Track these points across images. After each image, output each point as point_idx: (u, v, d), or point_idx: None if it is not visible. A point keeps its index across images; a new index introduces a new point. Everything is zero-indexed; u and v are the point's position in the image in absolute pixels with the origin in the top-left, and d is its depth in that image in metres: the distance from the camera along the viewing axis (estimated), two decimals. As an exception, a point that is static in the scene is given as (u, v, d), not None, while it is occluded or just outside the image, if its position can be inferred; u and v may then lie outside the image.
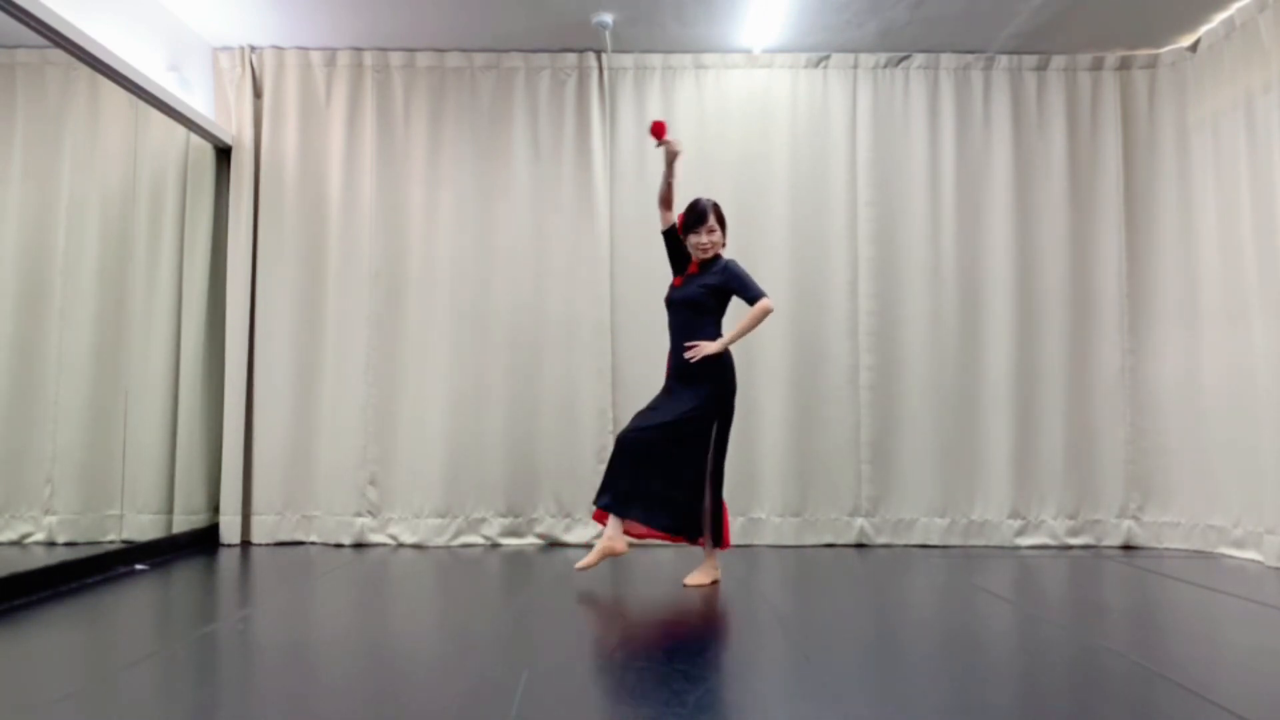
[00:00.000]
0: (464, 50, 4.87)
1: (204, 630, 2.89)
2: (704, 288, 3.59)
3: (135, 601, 3.40)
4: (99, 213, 4.10)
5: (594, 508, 3.70)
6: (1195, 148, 4.71)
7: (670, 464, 3.49)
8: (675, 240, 3.73)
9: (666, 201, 3.71)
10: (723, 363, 3.57)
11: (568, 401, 4.75)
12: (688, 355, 3.54)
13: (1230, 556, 4.39)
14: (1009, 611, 3.26)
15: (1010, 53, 4.89)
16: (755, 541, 4.74)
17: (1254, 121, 4.27)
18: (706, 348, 3.52)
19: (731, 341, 3.56)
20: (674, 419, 3.51)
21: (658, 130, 3.61)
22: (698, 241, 3.61)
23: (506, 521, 4.73)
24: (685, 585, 3.57)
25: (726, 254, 3.72)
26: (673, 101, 4.91)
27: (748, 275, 3.62)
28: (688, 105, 4.90)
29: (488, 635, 2.83)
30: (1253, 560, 4.24)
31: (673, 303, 3.67)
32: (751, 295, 3.57)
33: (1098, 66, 4.92)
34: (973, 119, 4.91)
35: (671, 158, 3.62)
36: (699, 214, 3.60)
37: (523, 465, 4.74)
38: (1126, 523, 4.77)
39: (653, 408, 3.63)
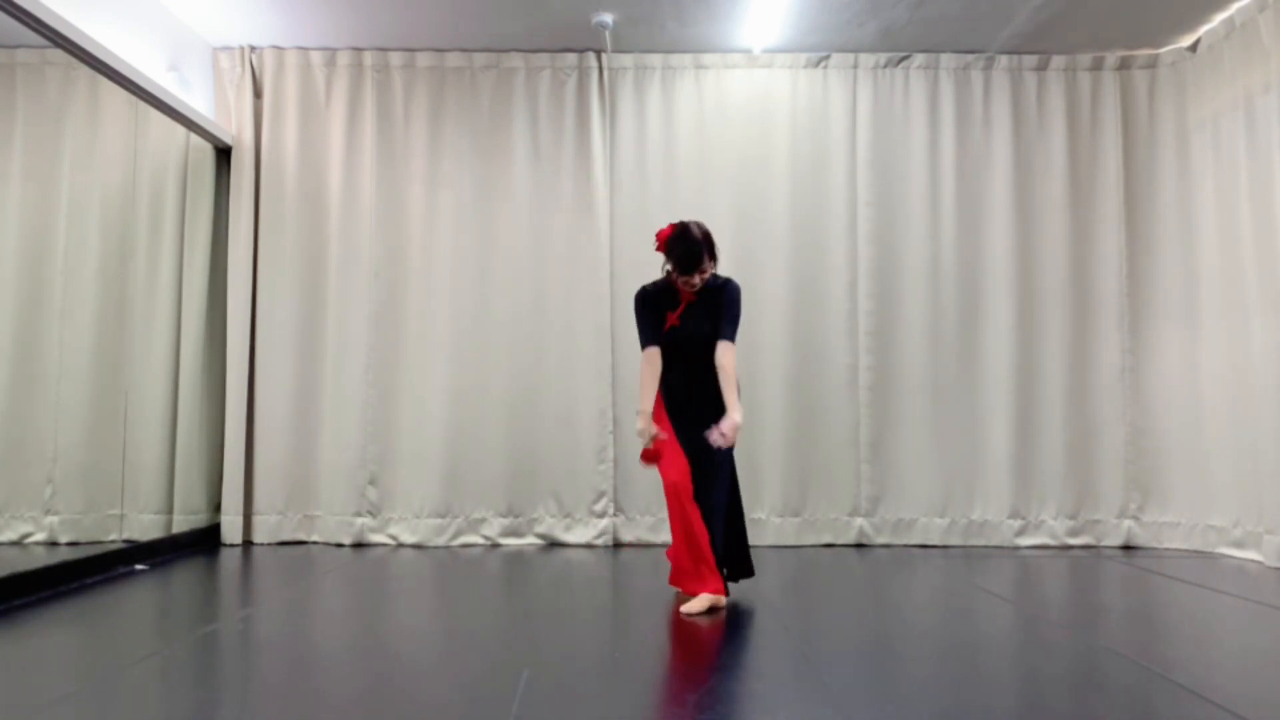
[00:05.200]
0: (464, 50, 4.87)
1: (204, 630, 2.89)
2: (710, 321, 3.29)
3: (135, 601, 3.40)
4: (99, 213, 4.10)
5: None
6: (1195, 148, 4.71)
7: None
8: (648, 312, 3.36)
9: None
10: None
11: (568, 401, 4.75)
12: (716, 442, 3.15)
13: (1230, 556, 4.39)
14: (1009, 611, 3.26)
15: (1010, 53, 4.89)
16: (755, 542, 4.66)
17: (1254, 121, 4.26)
18: (734, 422, 3.17)
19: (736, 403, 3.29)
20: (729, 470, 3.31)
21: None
22: (688, 280, 3.21)
23: (506, 521, 4.74)
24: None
25: (724, 266, 3.62)
26: (673, 101, 4.91)
27: (738, 308, 3.30)
28: (688, 105, 4.90)
29: (488, 635, 2.84)
30: (1252, 560, 4.24)
31: (681, 341, 3.30)
32: (726, 333, 3.25)
33: (1098, 66, 4.92)
34: (973, 119, 4.91)
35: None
36: (693, 258, 3.16)
37: (523, 465, 4.74)
38: (1126, 523, 4.77)
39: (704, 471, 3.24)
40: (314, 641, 2.83)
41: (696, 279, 3.21)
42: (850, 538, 4.76)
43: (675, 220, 3.32)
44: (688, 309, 3.30)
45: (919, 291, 4.82)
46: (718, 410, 3.24)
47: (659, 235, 3.29)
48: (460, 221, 4.82)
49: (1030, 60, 4.91)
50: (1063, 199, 4.86)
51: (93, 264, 4.07)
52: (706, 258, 3.19)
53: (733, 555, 3.35)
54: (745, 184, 4.85)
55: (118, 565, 3.92)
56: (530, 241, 4.82)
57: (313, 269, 4.82)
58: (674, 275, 3.24)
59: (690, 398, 3.31)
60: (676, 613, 3.15)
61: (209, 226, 4.75)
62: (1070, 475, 4.77)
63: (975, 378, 4.81)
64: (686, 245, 3.17)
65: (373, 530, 4.71)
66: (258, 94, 4.87)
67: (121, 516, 4.14)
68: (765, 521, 4.75)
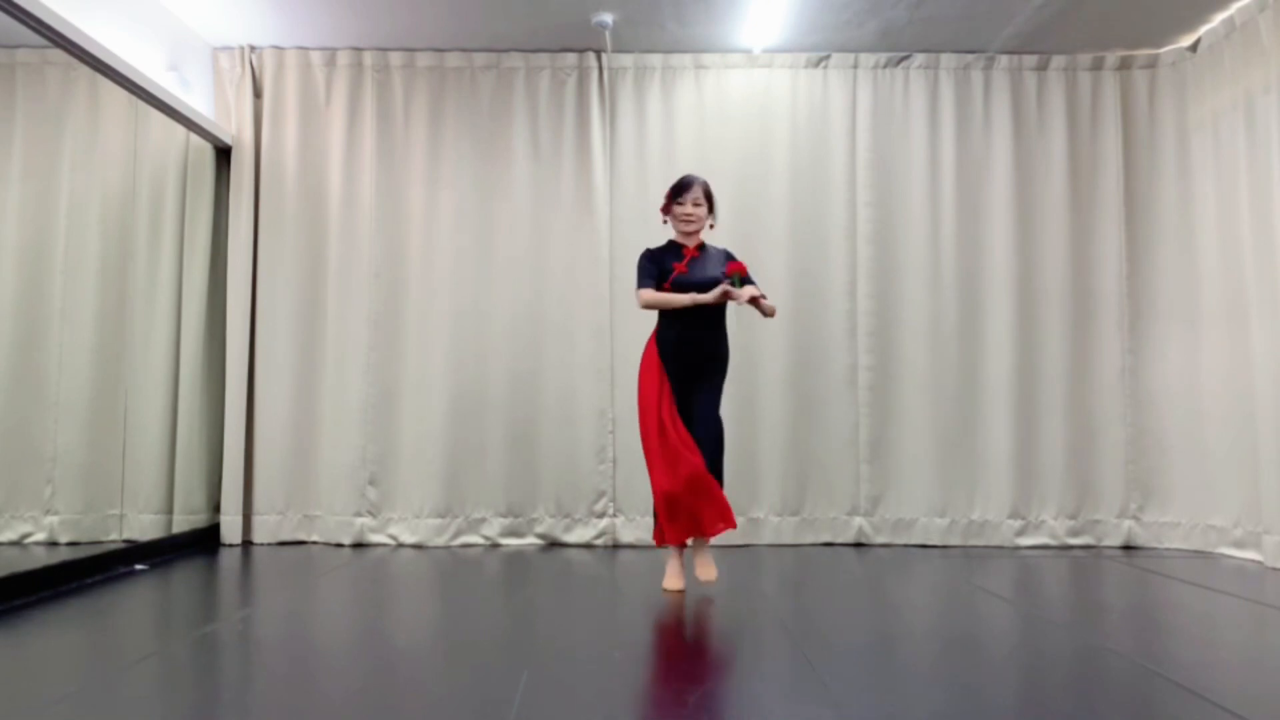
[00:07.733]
0: (464, 50, 4.87)
1: (204, 630, 2.89)
2: (714, 271, 3.46)
3: (135, 601, 3.40)
4: (99, 213, 4.10)
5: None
6: (1195, 148, 4.71)
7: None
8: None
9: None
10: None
11: (567, 401, 4.75)
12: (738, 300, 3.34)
13: (1230, 556, 4.39)
14: (1009, 611, 3.26)
15: (1010, 53, 4.89)
16: (754, 541, 4.73)
17: (1254, 121, 4.26)
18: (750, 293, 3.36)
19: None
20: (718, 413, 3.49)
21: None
22: (682, 211, 3.45)
23: (506, 521, 4.73)
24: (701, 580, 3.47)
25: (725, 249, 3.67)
26: (673, 101, 4.91)
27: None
28: (688, 105, 4.90)
29: (488, 635, 2.84)
30: (1253, 560, 4.24)
31: (689, 287, 3.41)
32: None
33: (1098, 66, 4.92)
34: (973, 119, 4.90)
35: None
36: (685, 183, 3.47)
37: (523, 465, 4.73)
38: (1126, 523, 4.77)
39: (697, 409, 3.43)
40: (314, 642, 2.83)
41: (690, 207, 3.45)
42: (849, 537, 4.76)
43: None
44: (693, 261, 3.48)
45: (919, 291, 4.81)
46: (720, 370, 3.48)
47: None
48: (460, 221, 4.82)
49: (1030, 60, 4.91)
50: (1063, 199, 4.86)
51: (93, 264, 4.07)
52: (700, 190, 3.47)
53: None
54: (745, 184, 4.85)
55: (118, 565, 3.91)
56: (530, 242, 4.82)
57: (313, 269, 4.81)
58: (671, 214, 3.50)
59: (695, 354, 3.44)
60: (676, 613, 3.15)
61: (209, 226, 4.75)
62: (1070, 475, 4.76)
63: (975, 378, 4.80)
64: (687, 176, 3.52)
65: (373, 530, 4.71)
66: (258, 94, 4.87)
67: (121, 516, 4.14)
68: (764, 520, 4.75)
